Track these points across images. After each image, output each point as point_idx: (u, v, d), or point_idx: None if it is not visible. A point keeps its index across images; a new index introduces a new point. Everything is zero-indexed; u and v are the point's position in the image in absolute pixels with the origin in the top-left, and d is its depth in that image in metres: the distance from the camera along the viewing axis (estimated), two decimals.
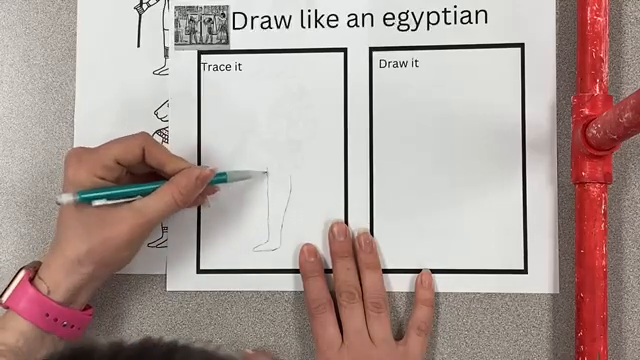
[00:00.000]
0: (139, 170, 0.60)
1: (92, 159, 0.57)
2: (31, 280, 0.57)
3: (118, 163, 0.57)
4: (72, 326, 0.57)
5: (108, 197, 0.56)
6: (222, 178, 0.61)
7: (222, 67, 0.65)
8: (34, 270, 0.58)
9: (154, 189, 0.57)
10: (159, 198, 0.57)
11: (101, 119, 0.65)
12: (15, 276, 0.58)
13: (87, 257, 0.56)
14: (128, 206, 0.56)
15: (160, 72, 0.65)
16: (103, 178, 0.57)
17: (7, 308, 0.57)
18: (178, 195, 0.57)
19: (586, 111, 0.59)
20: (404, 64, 0.64)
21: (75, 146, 0.64)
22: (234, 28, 0.65)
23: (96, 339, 0.52)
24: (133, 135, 0.59)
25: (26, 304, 0.56)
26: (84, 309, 0.59)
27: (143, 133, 0.59)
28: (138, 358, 0.34)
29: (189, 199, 0.58)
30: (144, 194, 0.57)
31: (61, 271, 0.56)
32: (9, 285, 0.58)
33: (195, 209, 0.64)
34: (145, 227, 0.57)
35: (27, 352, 0.56)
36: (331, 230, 0.63)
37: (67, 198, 0.56)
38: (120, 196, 0.56)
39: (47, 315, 0.56)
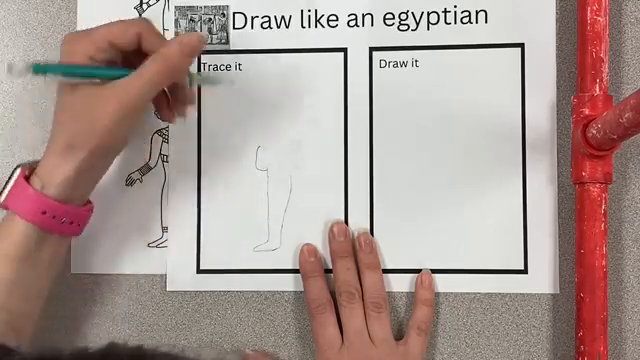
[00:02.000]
0: (137, 63, 0.56)
1: (86, 40, 0.55)
2: (27, 178, 0.55)
3: (112, 45, 0.55)
4: (71, 222, 0.56)
5: (65, 73, 0.52)
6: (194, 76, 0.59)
7: (222, 67, 0.65)
8: (30, 168, 0.56)
9: (123, 74, 0.53)
10: (142, 73, 0.53)
11: None
12: (11, 175, 0.56)
13: (78, 140, 0.53)
14: (111, 85, 0.54)
15: None
16: (96, 60, 0.54)
17: (6, 209, 0.55)
18: (162, 65, 0.53)
19: (586, 111, 0.59)
20: (404, 64, 0.64)
21: None
22: (234, 28, 0.65)
23: (59, 347, 0.52)
24: (131, 19, 0.57)
25: (23, 203, 0.54)
26: (84, 205, 0.58)
27: (142, 18, 0.57)
28: None
29: (175, 72, 0.55)
30: (113, 78, 0.53)
31: (55, 162, 0.54)
32: (5, 185, 0.56)
33: (195, 209, 0.64)
34: (129, 107, 0.53)
35: (28, 257, 0.54)
36: (331, 230, 0.63)
37: (17, 66, 0.52)
38: (79, 74, 0.53)
39: (44, 213, 0.54)
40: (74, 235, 0.58)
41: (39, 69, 0.53)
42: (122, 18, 0.65)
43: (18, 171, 0.55)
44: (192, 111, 0.62)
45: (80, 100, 0.54)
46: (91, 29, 0.56)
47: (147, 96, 0.54)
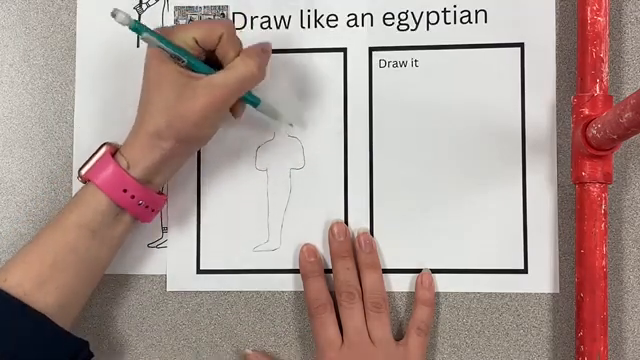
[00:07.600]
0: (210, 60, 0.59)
1: (175, 33, 0.56)
2: (112, 155, 0.57)
3: (197, 42, 0.56)
4: (147, 207, 0.58)
5: (160, 39, 0.54)
6: (254, 101, 0.60)
7: None
8: (114, 147, 0.58)
9: (208, 71, 0.56)
10: (233, 73, 0.56)
11: (101, 119, 0.65)
12: (97, 151, 0.58)
13: (167, 131, 0.55)
14: (202, 81, 0.56)
15: None
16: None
17: (87, 181, 0.57)
18: (252, 63, 0.56)
19: (586, 111, 0.59)
20: (404, 64, 0.64)
21: (75, 146, 0.65)
22: None
23: None
24: (217, 20, 0.58)
25: (106, 178, 0.56)
26: (158, 193, 0.59)
27: (227, 21, 0.58)
28: None
29: (258, 79, 0.57)
30: (196, 69, 0.56)
31: (142, 147, 0.56)
32: (90, 159, 0.58)
33: (195, 209, 0.64)
34: (218, 103, 0.56)
35: (101, 230, 0.56)
36: (331, 230, 0.63)
37: (121, 15, 0.53)
38: (171, 48, 0.55)
39: (125, 191, 0.56)
40: (145, 221, 0.59)
41: (137, 27, 0.54)
42: None
43: (105, 148, 0.58)
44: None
45: (169, 92, 0.56)
46: (180, 26, 0.58)
47: (236, 95, 0.57)
